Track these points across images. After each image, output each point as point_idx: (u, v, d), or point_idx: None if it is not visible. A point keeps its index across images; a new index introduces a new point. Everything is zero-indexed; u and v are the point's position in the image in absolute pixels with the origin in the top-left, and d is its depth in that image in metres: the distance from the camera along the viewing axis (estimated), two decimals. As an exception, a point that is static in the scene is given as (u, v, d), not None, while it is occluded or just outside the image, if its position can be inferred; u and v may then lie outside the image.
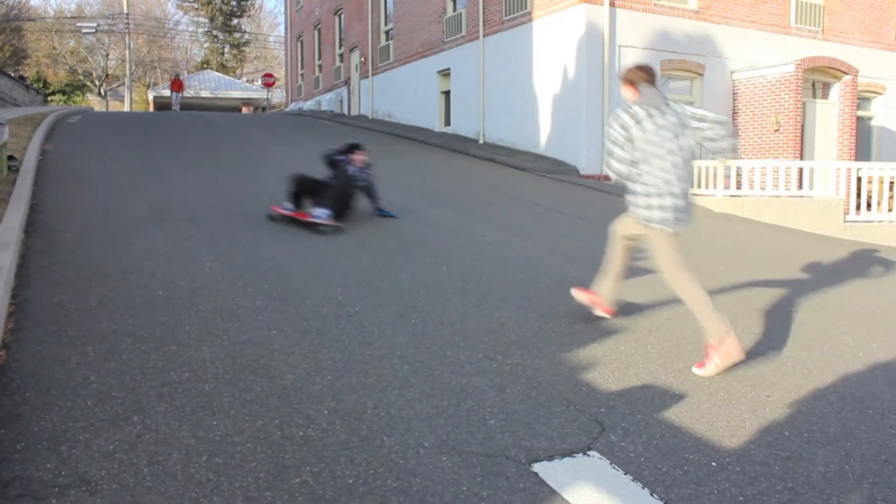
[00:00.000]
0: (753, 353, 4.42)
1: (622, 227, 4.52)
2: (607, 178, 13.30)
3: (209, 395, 3.37)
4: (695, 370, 4.02)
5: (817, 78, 15.23)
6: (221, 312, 4.56)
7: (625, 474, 2.86)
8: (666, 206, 4.14)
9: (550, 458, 2.94)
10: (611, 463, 2.94)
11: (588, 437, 3.15)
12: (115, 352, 3.83)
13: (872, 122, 17.45)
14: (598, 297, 4.72)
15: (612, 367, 4.03)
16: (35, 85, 36.45)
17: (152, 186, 9.17)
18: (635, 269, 6.52)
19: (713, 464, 2.99)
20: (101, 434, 2.94)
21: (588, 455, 3.00)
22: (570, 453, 3.00)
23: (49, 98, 39.72)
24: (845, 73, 15.00)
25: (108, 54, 47.48)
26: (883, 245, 10.54)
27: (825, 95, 15.41)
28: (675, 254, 4.23)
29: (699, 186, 12.08)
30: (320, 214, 7.22)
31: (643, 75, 4.28)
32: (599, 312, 4.75)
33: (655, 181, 4.15)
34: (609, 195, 11.76)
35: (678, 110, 4.23)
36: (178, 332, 4.17)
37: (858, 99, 15.72)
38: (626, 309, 5.07)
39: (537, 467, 2.86)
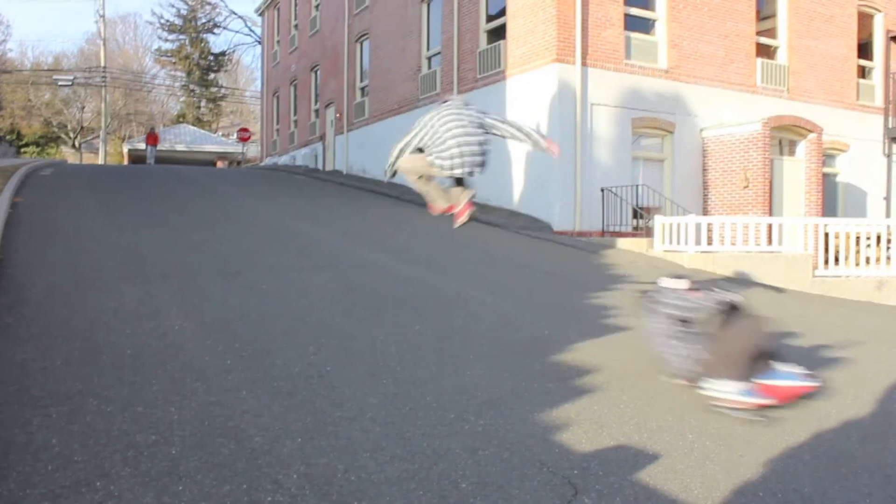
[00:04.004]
0: (726, 413, 4.42)
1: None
2: (581, 233, 13.44)
3: (175, 458, 3.29)
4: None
5: (784, 136, 15.64)
6: (190, 372, 4.48)
7: (599, 539, 2.81)
8: (455, 157, 6.16)
9: (524, 523, 2.89)
10: (585, 527, 2.90)
11: (561, 501, 3.10)
12: (80, 413, 3.73)
13: (838, 179, 17.90)
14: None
15: (585, 427, 4.00)
16: (8, 137, 36.33)
17: (123, 241, 9.08)
18: (608, 326, 6.55)
19: (688, 527, 2.95)
20: (62, 501, 2.85)
21: (562, 519, 2.95)
22: (543, 518, 2.95)
23: (22, 150, 39.60)
24: (811, 130, 15.42)
25: (83, 107, 47.53)
26: (850, 299, 10.70)
27: (792, 153, 15.80)
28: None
29: (669, 242, 12.22)
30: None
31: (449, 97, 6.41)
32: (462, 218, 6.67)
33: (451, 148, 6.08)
34: (582, 251, 11.86)
35: (474, 113, 6.21)
36: (146, 393, 4.08)
37: (824, 156, 16.13)
38: (599, 368, 5.07)
39: (510, 533, 2.81)
